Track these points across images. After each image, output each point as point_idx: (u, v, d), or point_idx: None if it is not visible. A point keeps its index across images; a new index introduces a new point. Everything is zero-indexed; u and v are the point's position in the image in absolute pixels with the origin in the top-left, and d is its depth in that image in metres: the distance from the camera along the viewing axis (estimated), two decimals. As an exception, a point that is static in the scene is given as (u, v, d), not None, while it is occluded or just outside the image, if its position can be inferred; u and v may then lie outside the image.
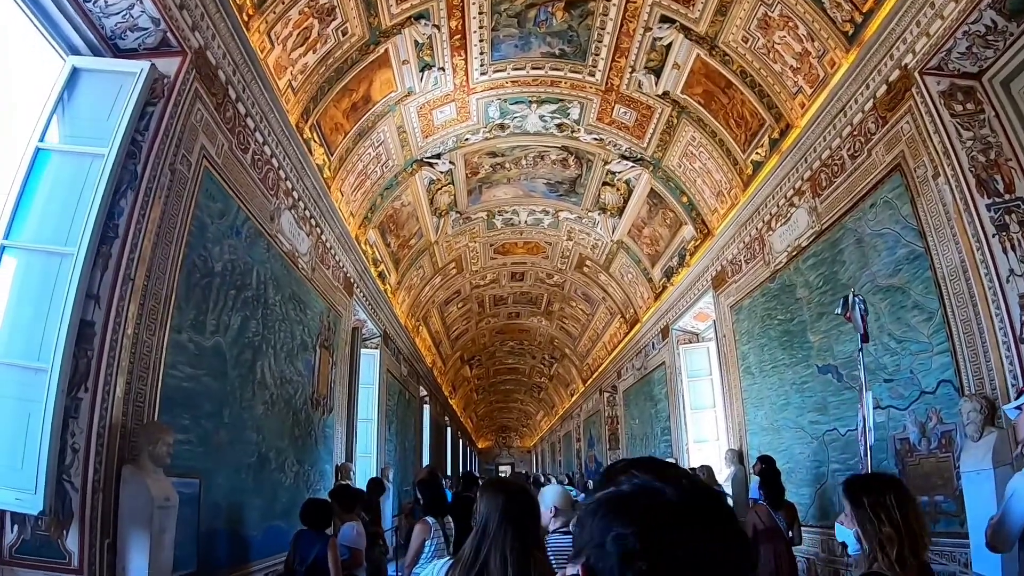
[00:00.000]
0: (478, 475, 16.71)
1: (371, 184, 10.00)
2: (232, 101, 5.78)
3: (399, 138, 9.83)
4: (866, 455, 5.16)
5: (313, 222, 7.98)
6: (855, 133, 6.64)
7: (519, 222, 14.19)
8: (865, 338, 5.37)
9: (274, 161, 6.76)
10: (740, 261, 9.32)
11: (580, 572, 0.91)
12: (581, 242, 14.80)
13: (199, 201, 5.14)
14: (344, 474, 8.85)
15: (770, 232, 8.41)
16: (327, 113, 8.04)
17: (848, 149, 6.78)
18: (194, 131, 5.07)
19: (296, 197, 7.42)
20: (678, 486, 0.92)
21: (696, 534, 0.88)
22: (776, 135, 8.09)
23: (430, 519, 5.03)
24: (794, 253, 7.83)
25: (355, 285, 9.98)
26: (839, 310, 5.93)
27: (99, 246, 4.01)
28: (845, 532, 2.64)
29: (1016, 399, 3.84)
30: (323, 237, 8.39)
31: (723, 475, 9.58)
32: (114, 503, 3.87)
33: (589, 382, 21.79)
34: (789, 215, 7.95)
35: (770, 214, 8.39)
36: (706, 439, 11.75)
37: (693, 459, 11.34)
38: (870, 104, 6.36)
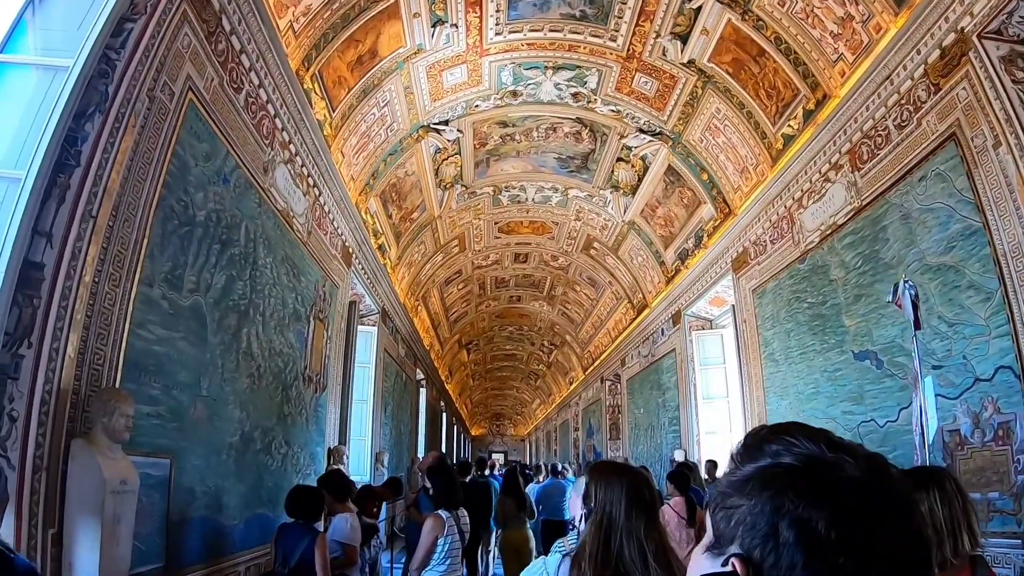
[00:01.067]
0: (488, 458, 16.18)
1: (374, 148, 9.37)
2: (226, 33, 5.17)
3: (406, 100, 9.19)
4: (922, 448, 4.60)
5: (311, 181, 7.37)
6: (903, 102, 6.12)
7: (526, 199, 13.56)
8: (918, 324, 4.91)
9: (270, 108, 6.15)
10: (765, 241, 8.74)
11: (736, 567, 0.74)
12: (590, 222, 14.18)
13: (181, 138, 4.54)
14: (337, 458, 8.25)
15: (801, 210, 7.84)
16: (330, 64, 7.42)
17: (894, 119, 6.25)
18: (179, 58, 4.46)
19: (293, 151, 6.81)
20: (856, 460, 0.76)
21: (894, 521, 0.73)
22: (811, 106, 7.54)
23: (443, 512, 4.44)
24: (828, 232, 7.27)
25: (353, 255, 9.38)
26: (889, 297, 5.58)
27: (55, 174, 3.32)
28: None
29: None
30: (321, 199, 7.78)
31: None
32: (60, 485, 3.22)
33: (590, 370, 21.21)
34: (824, 191, 7.39)
35: (801, 191, 7.82)
36: (716, 431, 11.20)
37: (704, 451, 10.79)
38: (921, 71, 5.85)
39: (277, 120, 6.36)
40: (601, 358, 19.39)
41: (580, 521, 2.15)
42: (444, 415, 25.09)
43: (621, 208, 12.75)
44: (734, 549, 0.76)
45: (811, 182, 7.62)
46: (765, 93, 8.14)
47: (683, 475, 6.77)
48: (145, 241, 4.08)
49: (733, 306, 9.92)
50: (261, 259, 5.98)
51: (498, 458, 29.66)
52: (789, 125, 7.98)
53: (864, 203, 6.67)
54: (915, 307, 4.99)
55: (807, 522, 0.70)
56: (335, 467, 6.75)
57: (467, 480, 11.39)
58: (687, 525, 6.03)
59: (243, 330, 5.58)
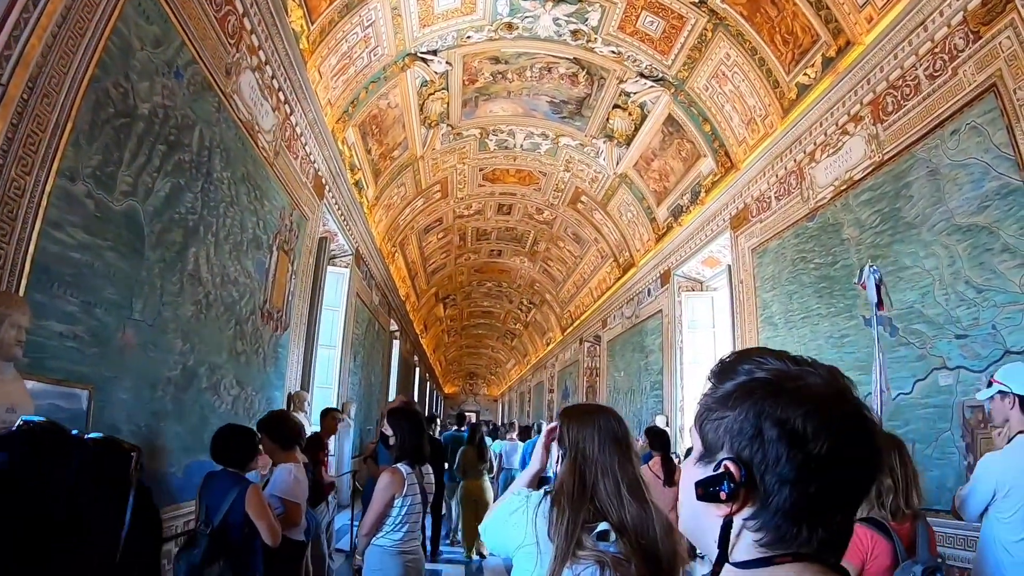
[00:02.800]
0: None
1: (356, 72, 8.60)
2: (181, -100, 4.43)
3: (393, 22, 8.41)
4: (880, 416, 4.87)
5: (282, 96, 6.63)
6: (936, 50, 5.54)
7: (514, 145, 12.85)
8: (880, 306, 5.14)
9: (238, 3, 5.42)
10: (769, 198, 8.16)
11: (730, 468, 0.88)
12: (579, 174, 13.50)
13: (126, 13, 3.83)
14: (298, 404, 7.61)
15: (813, 164, 7.26)
16: (308, -32, 6.66)
17: (926, 68, 5.67)
18: (120, -83, 3.73)
19: (263, 59, 6.07)
20: (816, 372, 0.91)
21: (852, 413, 0.88)
22: (832, 53, 6.92)
23: (404, 467, 3.80)
24: (843, 188, 6.71)
25: (327, 187, 8.66)
26: (855, 280, 5.86)
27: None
28: None
29: (987, 387, 3.65)
30: (293, 119, 7.04)
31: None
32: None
33: (569, 331, 20.68)
34: (840, 144, 6.82)
35: (815, 143, 7.24)
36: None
37: (688, 418, 10.31)
38: (959, 18, 5.28)
39: (246, 20, 5.61)
40: (581, 319, 18.83)
41: (557, 463, 2.12)
42: (417, 370, 24.52)
43: (614, 160, 12.10)
44: (723, 455, 0.90)
45: (826, 134, 7.04)
46: (781, 39, 7.50)
47: (662, 432, 6.76)
48: (69, 126, 3.39)
49: (729, 266, 9.34)
50: (217, 172, 5.27)
51: (470, 416, 29.27)
52: (805, 74, 7.36)
53: (886, 157, 6.11)
54: (879, 290, 5.16)
55: (786, 421, 0.85)
56: (280, 410, 5.94)
57: (455, 433, 11.14)
58: (664, 484, 5.87)
59: (190, 249, 4.87)
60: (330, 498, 6.36)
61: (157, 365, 4.49)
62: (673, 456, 9.45)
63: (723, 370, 0.96)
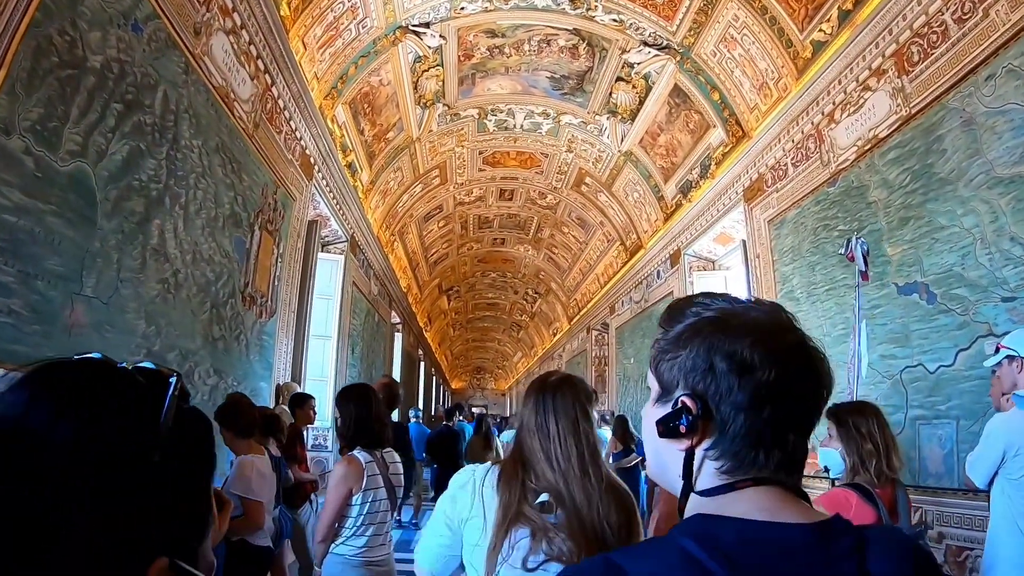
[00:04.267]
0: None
1: (343, 45, 8.13)
2: None
3: (381, -10, 7.97)
4: (856, 384, 5.32)
5: (260, 64, 6.17)
6: None
7: (514, 125, 12.35)
8: (865, 277, 5.30)
9: (204, -44, 4.97)
10: (786, 165, 7.66)
11: (686, 402, 0.92)
12: (583, 154, 13.00)
13: None
14: (286, 397, 7.11)
15: (832, 125, 6.77)
16: (287, -73, 6.21)
17: (953, 12, 5.18)
18: None
19: (238, 23, 5.61)
20: (759, 308, 0.97)
21: (794, 341, 0.93)
22: (849, 5, 6.43)
23: (361, 454, 3.26)
24: (867, 147, 6.21)
25: (316, 167, 8.20)
26: (842, 250, 5.92)
27: None
28: (828, 454, 3.08)
29: (994, 354, 3.60)
30: (274, 91, 6.58)
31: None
32: None
33: (575, 320, 20.20)
34: (862, 101, 6.32)
35: (833, 103, 6.75)
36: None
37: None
38: (987, -47, 4.76)
39: (216, -23, 5.17)
40: (588, 306, 18.32)
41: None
42: (423, 364, 24.06)
43: (618, 137, 11.60)
44: (679, 392, 0.94)
45: (846, 92, 6.54)
46: (794, -7, 7.03)
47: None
48: (2, 72, 2.96)
49: (744, 241, 8.83)
50: (185, 139, 4.80)
51: (479, 411, 28.97)
52: (821, 30, 6.86)
53: (914, 111, 5.60)
54: (865, 261, 5.30)
55: (735, 352, 0.89)
56: (236, 393, 5.19)
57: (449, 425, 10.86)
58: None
59: (153, 221, 4.40)
60: (314, 497, 5.88)
61: (115, 348, 3.98)
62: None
63: (672, 315, 1.02)
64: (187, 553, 0.76)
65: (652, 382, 1.01)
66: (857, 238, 5.30)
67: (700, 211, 10.17)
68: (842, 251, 5.67)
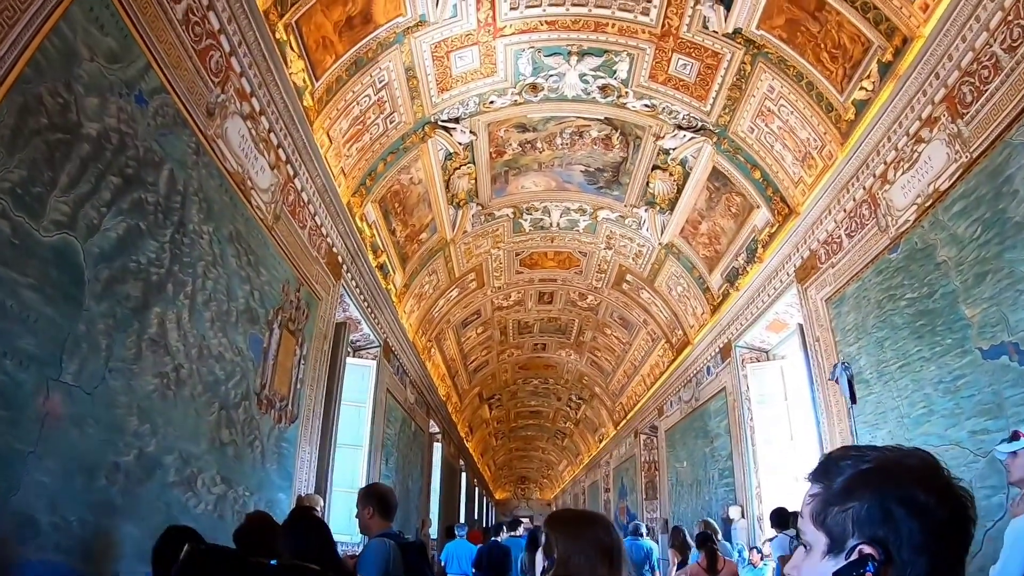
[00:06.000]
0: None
1: (371, 139, 8.02)
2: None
3: (408, 85, 7.88)
4: None
5: (282, 154, 5.98)
6: (1010, 18, 4.71)
7: (550, 224, 12.09)
8: (853, 399, 5.29)
9: (223, 41, 4.85)
10: (839, 237, 7.15)
11: (867, 551, 0.92)
12: (622, 250, 12.64)
13: (72, 14, 3.29)
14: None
15: (886, 186, 6.30)
16: (312, 18, 6.14)
17: (1002, 41, 4.81)
18: None
19: (257, 108, 5.45)
20: (906, 453, 1.00)
21: (947, 482, 0.96)
22: (889, 57, 6.11)
23: None
24: (928, 203, 5.69)
25: (344, 267, 7.92)
26: (829, 377, 6.06)
27: None
28: None
29: (1009, 441, 3.50)
30: (297, 182, 6.38)
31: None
32: None
33: (622, 424, 19.32)
34: (916, 155, 5.86)
35: (884, 162, 6.31)
36: (779, 477, 9.38)
37: (766, 505, 8.94)
38: (1029, -25, 4.47)
39: (234, 60, 5.04)
40: (635, 410, 17.49)
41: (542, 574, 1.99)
42: (464, 475, 23.15)
43: (658, 229, 11.24)
44: (853, 541, 0.94)
45: (897, 148, 6.10)
46: (828, 55, 6.72)
47: (704, 534, 7.07)
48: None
49: (800, 325, 8.17)
50: (194, 224, 4.52)
51: (525, 521, 27.75)
52: (862, 87, 6.52)
53: (975, 155, 5.11)
54: (851, 385, 5.25)
55: (911, 498, 0.92)
56: (259, 511, 4.48)
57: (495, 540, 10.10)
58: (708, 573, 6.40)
59: (153, 308, 4.03)
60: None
61: (99, 446, 3.55)
62: (754, 550, 8.22)
63: (827, 469, 1.03)
64: None
65: (816, 537, 1.01)
66: (842, 364, 5.17)
67: (749, 299, 9.62)
68: (829, 378, 5.66)
